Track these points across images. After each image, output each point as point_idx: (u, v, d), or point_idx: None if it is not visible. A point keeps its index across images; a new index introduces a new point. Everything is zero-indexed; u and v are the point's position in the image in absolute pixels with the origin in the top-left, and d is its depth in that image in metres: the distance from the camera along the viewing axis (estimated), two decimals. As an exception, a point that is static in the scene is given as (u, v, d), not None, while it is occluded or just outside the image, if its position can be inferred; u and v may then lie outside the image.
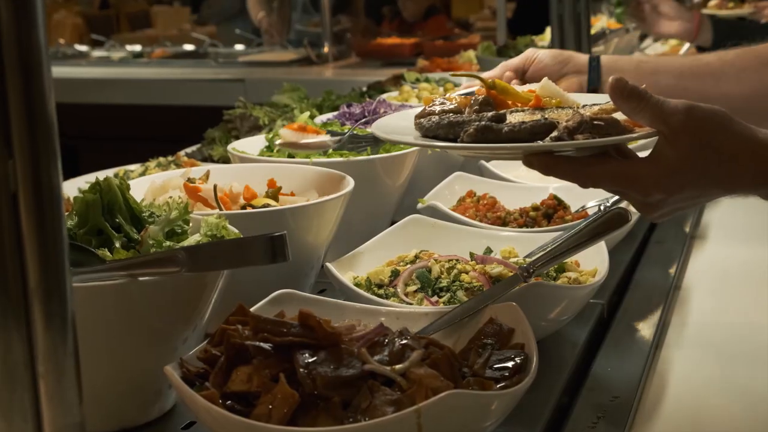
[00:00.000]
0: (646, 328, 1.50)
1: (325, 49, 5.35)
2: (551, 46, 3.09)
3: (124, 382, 1.14)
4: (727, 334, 1.52)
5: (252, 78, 4.80)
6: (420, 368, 0.98)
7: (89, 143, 4.65)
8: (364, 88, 3.16)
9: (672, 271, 1.77)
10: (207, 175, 1.58)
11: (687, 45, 3.61)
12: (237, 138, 2.29)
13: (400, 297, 1.33)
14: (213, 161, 2.25)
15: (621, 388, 1.29)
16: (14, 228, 0.75)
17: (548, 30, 3.97)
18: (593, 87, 1.52)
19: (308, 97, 2.74)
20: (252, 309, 1.15)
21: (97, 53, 5.76)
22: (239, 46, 5.96)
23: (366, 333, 1.02)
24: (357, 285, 1.35)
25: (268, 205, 1.40)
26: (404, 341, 1.01)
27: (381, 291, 1.35)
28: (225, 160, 2.24)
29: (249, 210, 1.38)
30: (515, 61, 1.60)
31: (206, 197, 1.39)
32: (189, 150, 2.35)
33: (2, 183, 0.74)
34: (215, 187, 1.40)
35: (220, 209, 1.38)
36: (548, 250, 1.26)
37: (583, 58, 1.55)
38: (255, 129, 2.30)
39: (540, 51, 1.56)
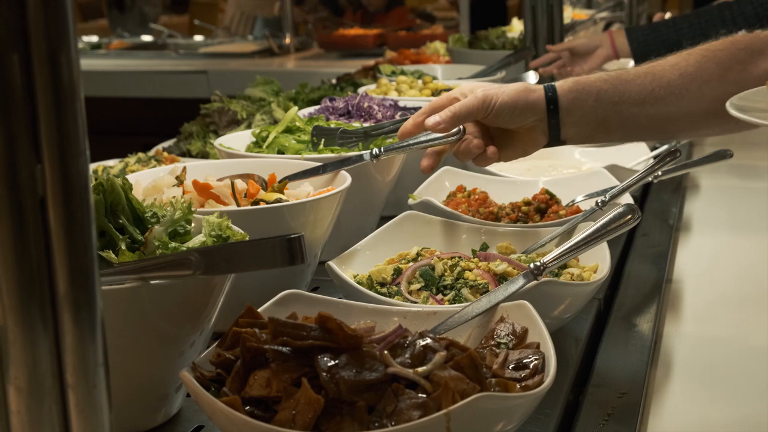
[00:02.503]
0: (644, 323, 1.50)
1: (287, 40, 5.31)
2: (524, 38, 3.09)
3: (130, 387, 1.11)
4: (723, 324, 1.53)
5: (214, 69, 4.74)
6: (444, 371, 0.96)
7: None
8: (334, 80, 3.14)
9: (661, 263, 1.77)
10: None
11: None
12: (215, 132, 2.26)
13: (404, 295, 1.31)
14: (191, 156, 2.22)
15: (627, 385, 1.29)
16: (42, 234, 0.72)
17: (515, 21, 3.98)
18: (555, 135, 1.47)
19: (282, 90, 2.71)
20: (258, 310, 1.13)
21: (54, 44, 5.66)
22: (198, 37, 5.90)
23: (386, 335, 1.00)
24: (359, 284, 1.33)
25: (280, 200, 1.38)
26: (425, 343, 1.00)
27: (384, 289, 1.34)
28: (203, 154, 2.21)
29: (248, 207, 1.35)
30: (469, 105, 1.45)
31: (219, 194, 1.36)
32: (165, 144, 2.31)
33: (29, 187, 0.71)
34: (233, 183, 1.38)
35: (238, 205, 1.36)
36: (562, 249, 1.24)
37: (539, 99, 1.44)
38: (233, 123, 2.27)
39: (497, 96, 1.44)
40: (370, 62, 3.56)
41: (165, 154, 2.05)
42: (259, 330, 1.02)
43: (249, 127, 2.21)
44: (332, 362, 0.96)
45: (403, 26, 5.72)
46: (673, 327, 1.50)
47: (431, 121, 1.46)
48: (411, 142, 1.53)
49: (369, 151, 1.56)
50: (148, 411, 1.16)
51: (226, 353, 1.04)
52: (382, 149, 1.55)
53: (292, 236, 0.97)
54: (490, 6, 6.34)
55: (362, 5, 6.12)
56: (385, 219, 1.72)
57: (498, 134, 1.52)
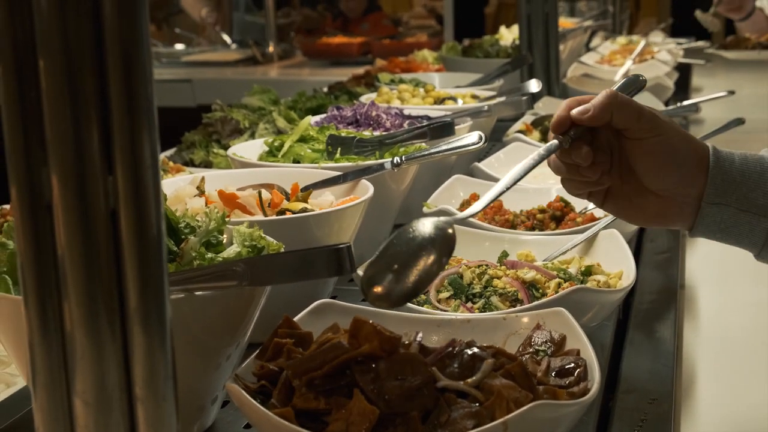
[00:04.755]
0: (664, 328, 1.51)
1: (270, 49, 5.30)
2: (519, 46, 3.10)
3: (167, 400, 1.10)
4: (743, 326, 1.54)
5: (198, 78, 4.72)
6: (494, 379, 0.96)
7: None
8: (325, 89, 3.13)
9: (672, 269, 1.79)
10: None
11: (642, 43, 3.66)
12: (218, 141, 2.25)
13: (433, 304, 1.31)
14: (193, 165, 2.21)
15: (655, 390, 1.30)
16: (113, 246, 0.72)
17: (503, 29, 4.00)
18: None
19: (279, 99, 2.70)
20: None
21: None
22: (179, 46, 5.88)
23: (438, 350, 1.00)
24: (387, 292, 1.33)
25: (305, 210, 1.38)
26: (472, 352, 1.00)
27: (412, 298, 1.33)
28: (206, 164, 2.20)
29: (278, 217, 1.35)
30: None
31: (245, 204, 1.35)
32: (167, 153, 2.30)
33: (101, 199, 0.70)
34: (260, 193, 1.37)
35: (265, 215, 1.35)
36: None
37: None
38: (236, 132, 2.26)
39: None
40: (360, 70, 3.57)
41: (171, 163, 2.03)
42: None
43: (252, 136, 2.21)
44: (373, 374, 0.95)
45: (384, 34, 5.74)
46: (692, 332, 1.51)
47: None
48: (432, 150, 1.53)
49: (390, 159, 1.56)
50: (184, 423, 1.15)
51: (269, 365, 1.03)
52: (403, 158, 1.55)
53: (341, 246, 0.97)
54: (468, 15, 6.36)
55: (341, 12, 6.13)
56: (396, 227, 1.72)
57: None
